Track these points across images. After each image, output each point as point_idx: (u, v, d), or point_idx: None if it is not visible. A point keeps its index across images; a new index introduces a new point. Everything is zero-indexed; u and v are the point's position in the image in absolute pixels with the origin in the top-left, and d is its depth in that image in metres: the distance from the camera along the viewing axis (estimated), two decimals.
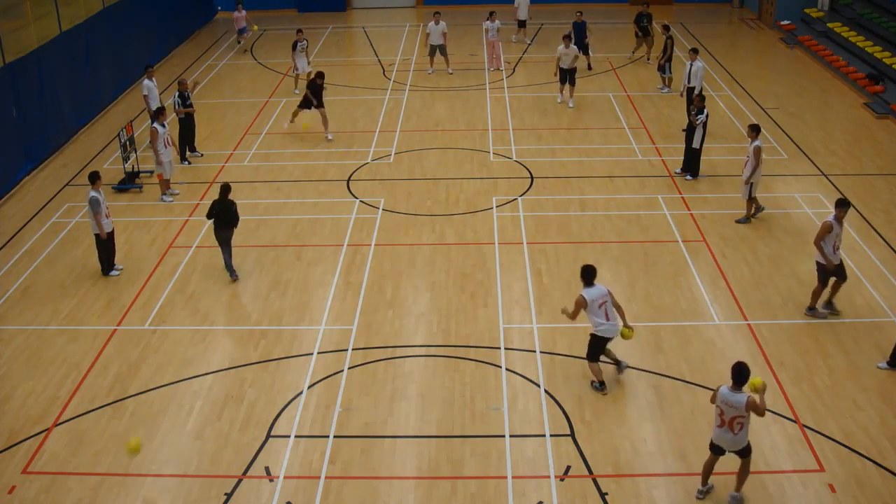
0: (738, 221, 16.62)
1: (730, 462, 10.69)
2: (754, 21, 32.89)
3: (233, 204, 14.91)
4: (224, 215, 14.85)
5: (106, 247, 15.23)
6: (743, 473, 10.06)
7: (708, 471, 10.18)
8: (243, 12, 29.22)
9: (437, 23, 25.82)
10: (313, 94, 20.90)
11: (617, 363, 12.28)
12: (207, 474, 10.78)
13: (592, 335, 11.80)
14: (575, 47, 23.01)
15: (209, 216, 14.96)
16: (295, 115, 21.88)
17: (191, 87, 20.80)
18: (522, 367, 12.63)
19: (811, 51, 27.74)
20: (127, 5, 25.81)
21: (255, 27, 29.94)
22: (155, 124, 17.81)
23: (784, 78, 25.78)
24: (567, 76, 23.11)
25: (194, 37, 32.07)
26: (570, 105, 23.27)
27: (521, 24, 29.73)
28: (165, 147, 17.85)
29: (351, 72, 26.96)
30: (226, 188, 14.92)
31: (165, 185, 18.20)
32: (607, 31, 31.14)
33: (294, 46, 24.69)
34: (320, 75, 21.15)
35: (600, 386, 11.96)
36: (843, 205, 13.38)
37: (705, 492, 10.21)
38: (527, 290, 14.58)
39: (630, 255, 15.65)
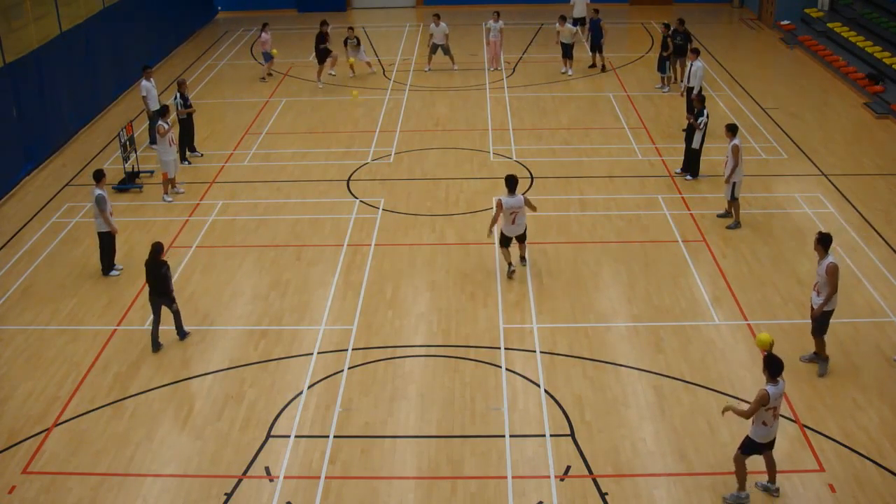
0: (728, 227, 16.45)
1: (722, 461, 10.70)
2: (754, 21, 32.89)
3: (161, 266, 12.91)
4: (152, 279, 13.00)
5: (109, 246, 15.24)
6: (774, 464, 10.21)
7: (745, 478, 10.16)
8: (269, 34, 26.17)
9: (437, 24, 25.93)
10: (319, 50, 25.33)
11: (510, 264, 14.89)
12: (207, 474, 10.78)
13: (501, 231, 14.76)
14: (570, 25, 25.63)
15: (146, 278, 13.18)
16: (327, 67, 26.02)
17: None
18: (522, 367, 12.63)
19: (811, 51, 27.74)
20: (127, 5, 25.81)
21: (275, 51, 26.75)
22: (161, 122, 17.86)
23: (784, 78, 25.78)
24: (567, 50, 25.78)
25: (194, 37, 32.08)
26: (570, 73, 25.92)
27: (578, 22, 29.47)
28: (170, 145, 17.85)
29: (347, 72, 26.92)
30: (154, 248, 12.96)
31: (167, 184, 18.19)
32: (607, 32, 31.08)
33: (344, 43, 25.75)
34: (324, 22, 25.65)
35: (509, 267, 14.84)
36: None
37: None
38: (527, 290, 14.58)
39: (630, 255, 15.66)
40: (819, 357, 12.42)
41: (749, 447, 10.02)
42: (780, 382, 9.80)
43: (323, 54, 25.71)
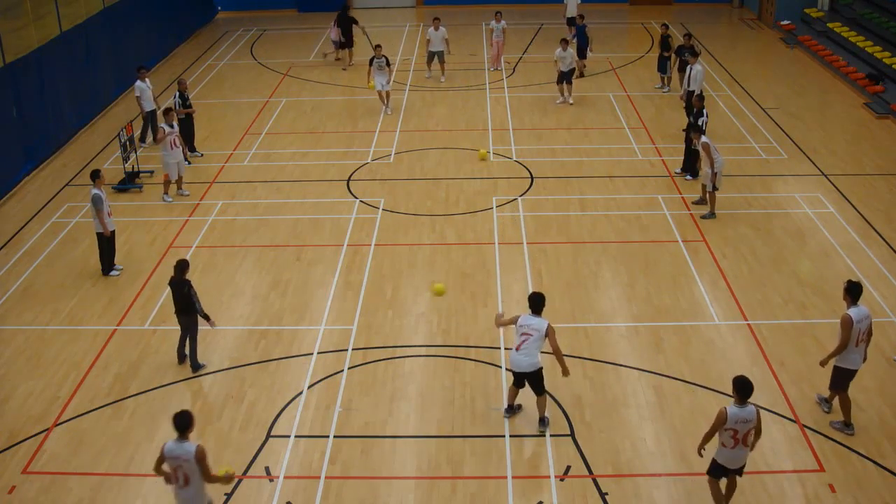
0: (703, 217, 16.78)
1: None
2: (754, 21, 32.90)
3: (184, 285, 12.44)
4: (176, 297, 12.60)
5: (108, 246, 15.24)
6: (732, 491, 9.91)
7: (721, 500, 9.84)
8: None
9: (436, 29, 25.48)
10: (344, 32, 26.62)
11: (508, 406, 11.58)
12: None
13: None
14: (571, 50, 23.20)
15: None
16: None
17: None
18: None
19: (811, 51, 27.75)
20: (127, 5, 25.81)
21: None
22: (162, 124, 17.78)
23: (784, 78, 25.78)
24: (564, 77, 23.36)
25: (194, 37, 32.08)
26: (570, 101, 23.47)
27: (570, 22, 29.36)
28: (172, 148, 17.74)
29: (351, 71, 26.94)
30: (178, 266, 12.56)
31: (168, 185, 18.12)
32: (607, 32, 31.15)
33: (370, 62, 22.80)
34: (346, 7, 26.82)
35: (507, 410, 11.55)
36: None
37: None
38: (527, 290, 14.55)
39: (630, 255, 15.66)
40: (843, 423, 11.26)
41: (712, 468, 9.70)
42: (747, 407, 9.32)
43: (348, 38, 26.94)
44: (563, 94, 23.59)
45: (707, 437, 9.63)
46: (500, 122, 22.40)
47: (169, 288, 12.76)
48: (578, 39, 25.42)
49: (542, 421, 11.33)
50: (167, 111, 18.09)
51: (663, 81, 24.60)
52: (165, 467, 9.06)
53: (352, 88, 25.42)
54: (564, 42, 23.09)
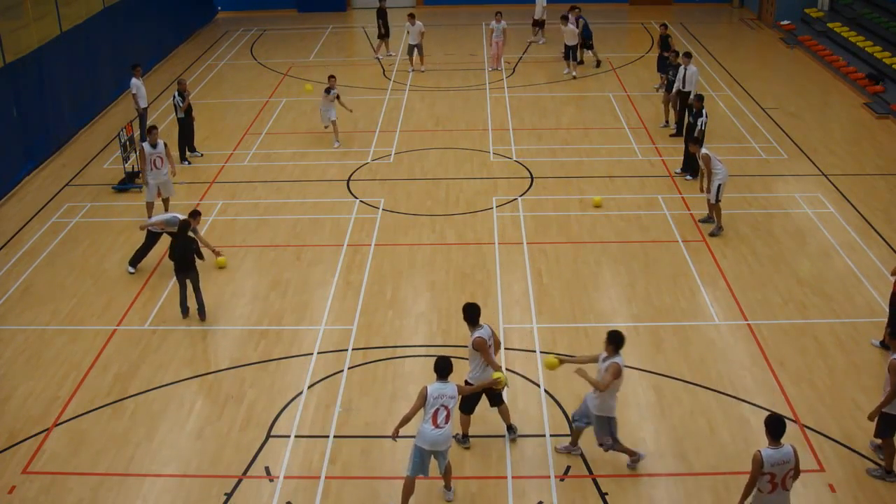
0: (711, 234, 16.19)
1: (725, 462, 10.68)
2: (754, 21, 32.89)
3: (192, 242, 13.26)
4: (177, 252, 13.28)
5: (148, 244, 15.40)
6: None
7: None
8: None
9: (412, 24, 26.43)
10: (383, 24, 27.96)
11: (509, 429, 11.15)
12: (207, 474, 10.78)
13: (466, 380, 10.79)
14: (572, 26, 25.52)
15: (170, 256, 13.71)
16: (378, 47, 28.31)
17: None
18: (522, 367, 12.62)
19: (811, 51, 27.75)
20: (127, 5, 25.81)
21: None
22: (143, 143, 16.84)
23: (784, 78, 25.78)
24: (569, 52, 25.86)
25: (194, 37, 32.08)
26: (574, 75, 25.80)
27: (537, 24, 29.75)
28: (152, 168, 16.71)
29: (351, 72, 26.94)
30: (184, 223, 13.32)
31: (149, 207, 17.04)
32: (607, 32, 31.14)
33: (327, 92, 20.57)
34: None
35: (462, 439, 11.05)
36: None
37: None
38: (527, 290, 14.58)
39: (630, 255, 15.66)
40: (884, 471, 10.51)
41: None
42: (782, 447, 8.73)
43: (383, 30, 28.12)
44: (567, 67, 26.02)
45: (748, 490, 8.85)
46: (500, 122, 22.40)
47: (171, 245, 13.20)
48: (584, 33, 26.43)
49: (511, 428, 11.13)
50: (151, 129, 16.89)
51: (663, 81, 24.56)
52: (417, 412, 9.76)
53: (352, 89, 25.41)
54: (564, 18, 25.59)
